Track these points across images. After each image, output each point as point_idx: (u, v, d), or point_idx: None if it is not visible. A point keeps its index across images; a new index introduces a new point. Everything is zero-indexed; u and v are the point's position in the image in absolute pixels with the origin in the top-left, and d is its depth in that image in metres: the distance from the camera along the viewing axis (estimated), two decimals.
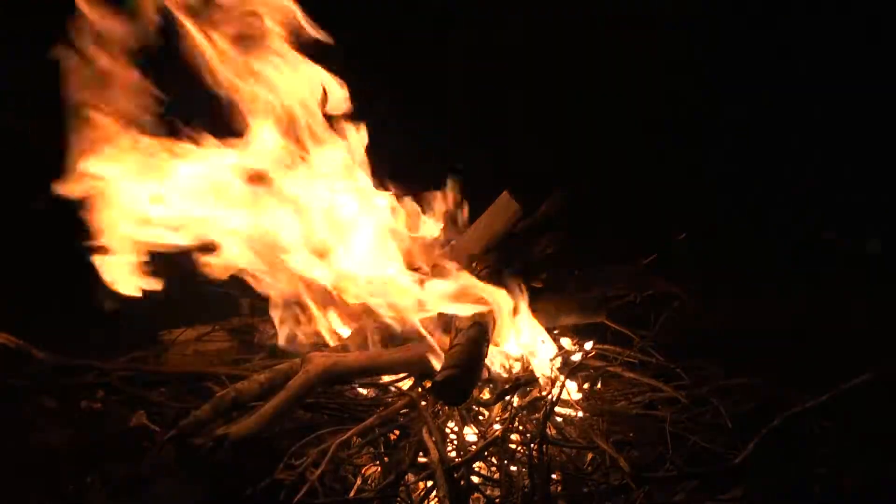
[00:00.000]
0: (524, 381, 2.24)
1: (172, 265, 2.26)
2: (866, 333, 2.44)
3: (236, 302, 2.70)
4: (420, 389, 2.26)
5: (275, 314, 2.39)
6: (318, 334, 2.44)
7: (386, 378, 2.34)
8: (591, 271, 2.73)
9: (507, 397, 2.21)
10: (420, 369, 2.28)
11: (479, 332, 2.20)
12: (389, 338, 2.38)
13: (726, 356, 2.39)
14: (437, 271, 2.47)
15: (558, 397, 2.14)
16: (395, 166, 2.58)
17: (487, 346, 2.22)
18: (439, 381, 1.99)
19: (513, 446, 2.06)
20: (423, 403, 2.15)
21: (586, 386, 2.42)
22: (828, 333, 2.47)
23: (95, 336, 2.49)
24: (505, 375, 2.34)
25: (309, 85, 2.38)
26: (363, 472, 2.02)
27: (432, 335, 2.31)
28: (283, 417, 2.04)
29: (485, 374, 2.27)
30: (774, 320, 2.58)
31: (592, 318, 2.54)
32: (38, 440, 1.97)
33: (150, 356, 2.43)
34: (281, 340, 2.41)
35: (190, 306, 2.63)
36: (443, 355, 2.21)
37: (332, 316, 2.46)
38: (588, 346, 2.52)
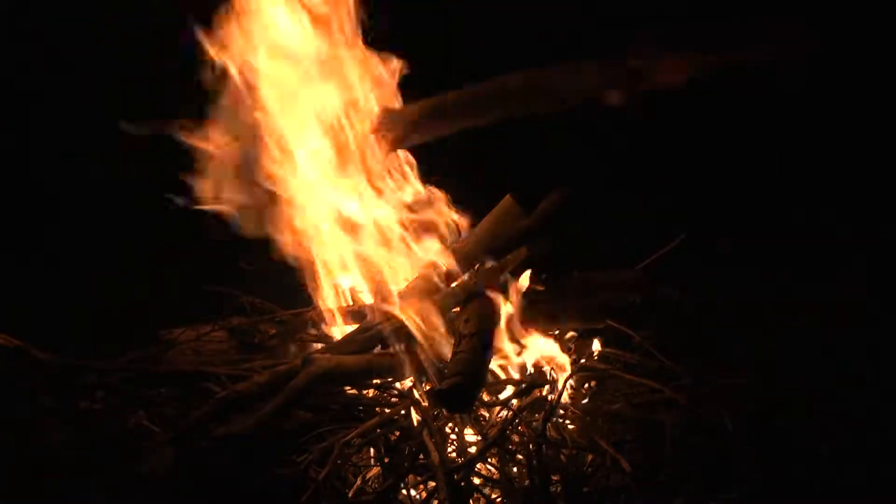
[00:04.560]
0: (533, 384, 2.23)
1: None
2: (867, 335, 2.44)
3: (236, 302, 2.70)
4: (419, 392, 2.25)
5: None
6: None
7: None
8: (591, 275, 2.73)
9: (514, 401, 2.19)
10: (422, 373, 2.28)
11: (483, 340, 2.19)
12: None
13: (726, 357, 2.39)
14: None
15: (559, 399, 2.14)
16: None
17: (491, 353, 2.22)
18: (444, 389, 1.98)
19: (513, 447, 2.06)
20: (424, 405, 2.15)
21: (587, 386, 2.42)
22: (829, 335, 2.47)
23: (95, 336, 2.50)
24: (504, 377, 2.35)
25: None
26: (363, 472, 2.02)
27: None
28: (282, 419, 2.04)
29: (488, 378, 2.26)
30: (775, 321, 2.57)
31: (594, 323, 2.53)
32: (38, 440, 1.97)
33: (150, 356, 2.42)
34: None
35: (190, 306, 2.63)
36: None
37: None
38: (594, 348, 2.52)
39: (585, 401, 2.35)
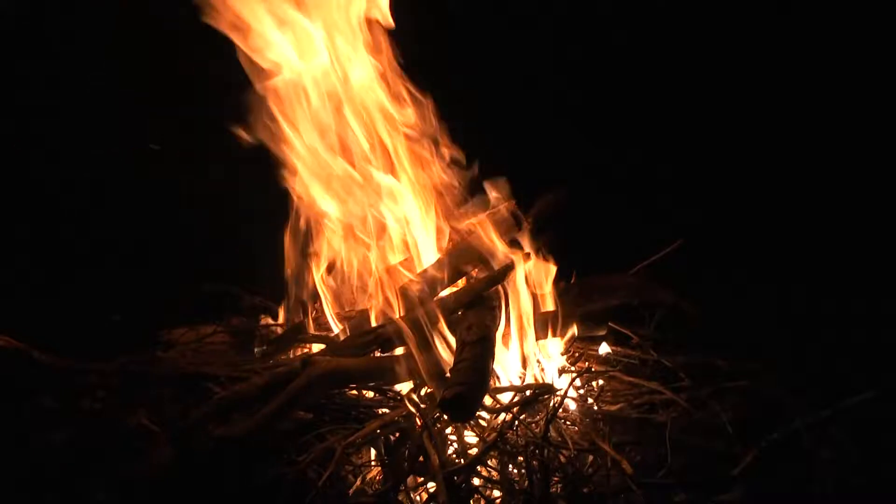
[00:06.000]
0: (538, 391, 2.22)
1: None
2: (868, 339, 2.44)
3: (237, 302, 2.71)
4: (419, 395, 2.26)
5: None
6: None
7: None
8: (591, 281, 2.73)
9: (515, 409, 2.17)
10: (423, 377, 2.28)
11: (486, 347, 2.19)
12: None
13: (726, 358, 2.39)
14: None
15: (562, 402, 2.14)
16: None
17: (493, 361, 2.22)
18: (448, 397, 1.98)
19: (513, 449, 2.06)
20: (424, 407, 2.15)
21: (587, 388, 2.42)
22: (829, 338, 2.47)
23: (96, 336, 2.50)
24: (506, 383, 2.35)
25: None
26: (363, 472, 2.02)
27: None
28: (282, 420, 2.04)
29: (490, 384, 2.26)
30: (775, 324, 2.58)
31: (594, 331, 2.53)
32: (38, 440, 1.97)
33: (150, 357, 2.43)
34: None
35: (190, 306, 2.64)
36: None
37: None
38: (600, 351, 2.52)
39: (586, 402, 2.34)
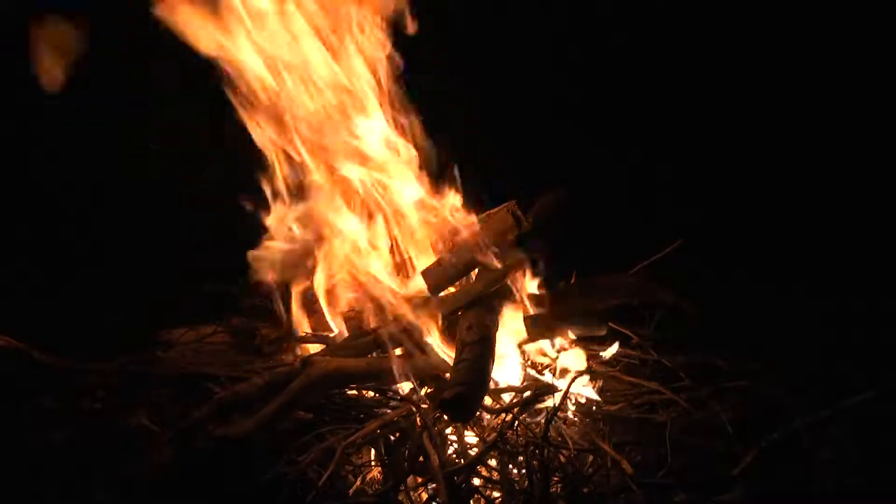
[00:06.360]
0: (539, 392, 2.22)
1: None
2: (868, 339, 2.44)
3: (236, 302, 2.71)
4: (418, 395, 2.25)
5: None
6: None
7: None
8: (591, 281, 2.73)
9: (515, 410, 2.17)
10: (423, 377, 2.28)
11: (485, 347, 2.20)
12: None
13: (726, 358, 2.39)
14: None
15: (561, 403, 2.14)
16: None
17: (493, 361, 2.22)
18: (448, 398, 1.98)
19: (513, 449, 2.06)
20: (424, 407, 2.15)
21: (587, 387, 2.42)
22: (829, 338, 2.47)
23: (96, 336, 2.50)
24: (509, 384, 2.35)
25: None
26: (363, 472, 2.02)
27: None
28: (282, 420, 2.04)
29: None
30: (775, 324, 2.58)
31: (594, 331, 2.53)
32: (38, 440, 1.97)
33: (150, 357, 2.43)
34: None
35: (190, 306, 2.64)
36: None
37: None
38: (605, 353, 2.52)
39: (586, 402, 2.34)
